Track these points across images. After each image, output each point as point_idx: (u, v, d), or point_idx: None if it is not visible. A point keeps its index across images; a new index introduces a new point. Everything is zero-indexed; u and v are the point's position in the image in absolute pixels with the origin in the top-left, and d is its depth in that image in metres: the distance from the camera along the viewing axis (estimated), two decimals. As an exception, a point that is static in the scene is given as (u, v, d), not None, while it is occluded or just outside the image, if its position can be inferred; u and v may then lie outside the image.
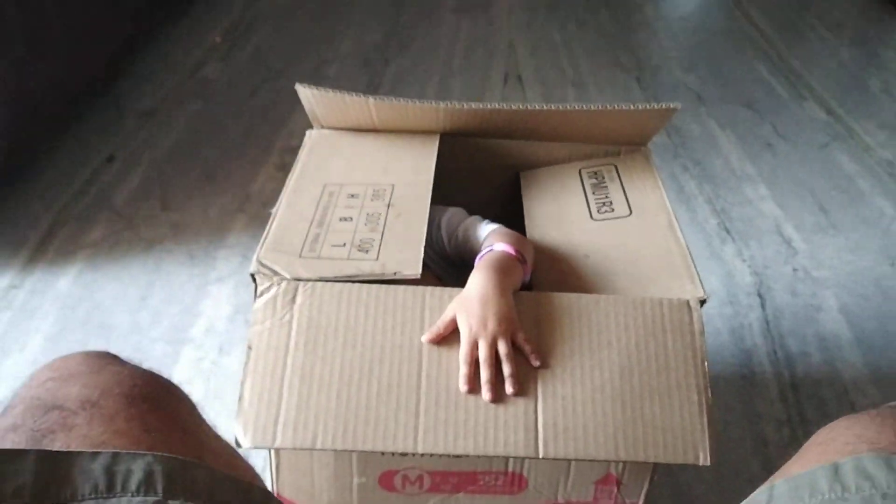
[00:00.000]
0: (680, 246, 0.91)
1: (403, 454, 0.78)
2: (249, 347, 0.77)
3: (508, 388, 0.76)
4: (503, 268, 0.84)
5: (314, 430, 0.73)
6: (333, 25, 2.65)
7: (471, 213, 1.04)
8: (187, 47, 2.44)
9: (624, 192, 1.01)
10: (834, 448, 0.57)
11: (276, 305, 0.80)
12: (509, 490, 0.85)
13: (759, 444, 1.18)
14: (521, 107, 1.02)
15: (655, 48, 2.56)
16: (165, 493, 0.46)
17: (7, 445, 0.51)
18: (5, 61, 1.58)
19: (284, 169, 1.05)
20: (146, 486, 0.46)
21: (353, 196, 0.96)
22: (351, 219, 0.92)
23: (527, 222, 1.00)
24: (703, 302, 0.82)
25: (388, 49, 2.49)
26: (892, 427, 0.56)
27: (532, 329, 0.80)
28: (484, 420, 0.74)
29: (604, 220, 0.97)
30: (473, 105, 1.02)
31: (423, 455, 0.76)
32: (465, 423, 0.74)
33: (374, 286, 0.81)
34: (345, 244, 0.87)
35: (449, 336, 0.79)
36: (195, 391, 1.24)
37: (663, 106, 1.01)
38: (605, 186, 1.03)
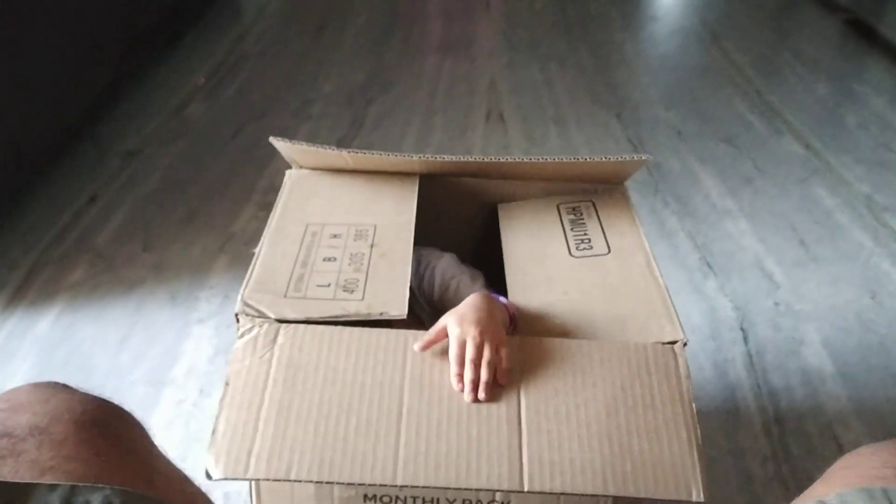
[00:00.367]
0: (659, 286, 0.91)
1: (383, 485, 0.77)
2: (227, 383, 0.76)
3: (481, 394, 0.77)
4: (494, 302, 0.86)
5: (289, 462, 0.71)
6: (317, 66, 2.67)
7: (446, 248, 1.05)
8: (171, 88, 2.45)
9: (602, 229, 1.02)
10: (859, 473, 0.57)
11: (256, 345, 0.79)
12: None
13: (745, 479, 1.18)
14: (495, 159, 1.04)
15: (635, 85, 2.59)
16: None
17: None
18: (-13, 104, 1.59)
19: (267, 208, 1.05)
20: None
21: (335, 236, 0.96)
22: (335, 259, 0.92)
23: (505, 257, 1.01)
24: (684, 344, 0.82)
25: (371, 88, 2.51)
26: None
27: (516, 370, 0.80)
28: (466, 453, 0.73)
29: (583, 256, 0.98)
30: (448, 157, 1.03)
31: (402, 487, 0.75)
32: (447, 455, 0.73)
33: (357, 329, 0.81)
34: (329, 284, 0.87)
35: (433, 370, 0.79)
36: (175, 433, 1.22)
37: (635, 157, 1.05)
38: (584, 223, 1.04)
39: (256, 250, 0.94)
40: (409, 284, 0.88)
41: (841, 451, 1.21)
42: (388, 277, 0.89)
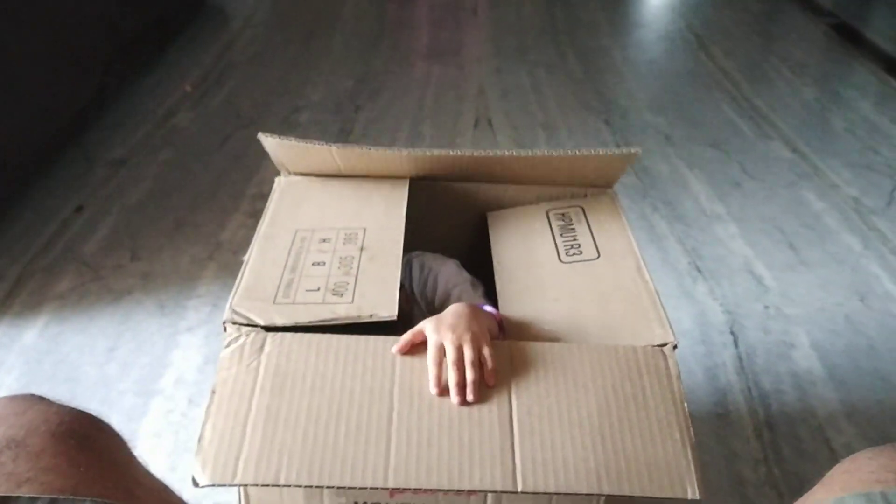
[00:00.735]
0: (649, 290, 0.91)
1: (374, 489, 0.76)
2: (213, 392, 0.76)
3: (469, 395, 0.75)
4: (479, 310, 0.86)
5: (278, 467, 0.70)
6: (305, 73, 2.67)
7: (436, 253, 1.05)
8: (158, 96, 2.44)
9: (592, 234, 1.02)
10: (859, 477, 0.58)
11: (243, 353, 0.79)
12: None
13: (736, 483, 1.18)
14: (486, 153, 1.03)
15: (623, 91, 2.59)
16: None
17: None
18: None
19: (255, 216, 1.04)
20: None
21: (325, 241, 0.96)
22: (324, 263, 0.91)
23: (495, 264, 1.00)
24: (674, 347, 0.82)
25: (360, 96, 2.51)
26: None
27: (505, 374, 0.79)
28: (458, 456, 0.73)
29: (572, 262, 0.98)
30: (437, 152, 1.03)
31: (394, 493, 0.74)
32: (439, 458, 0.72)
33: (345, 336, 0.81)
34: (319, 288, 0.87)
35: (423, 376, 0.78)
36: (165, 443, 1.21)
37: (625, 151, 1.04)
38: (573, 228, 1.04)
39: (245, 258, 0.93)
40: (398, 285, 0.87)
41: (832, 453, 1.22)
42: (377, 279, 0.89)
